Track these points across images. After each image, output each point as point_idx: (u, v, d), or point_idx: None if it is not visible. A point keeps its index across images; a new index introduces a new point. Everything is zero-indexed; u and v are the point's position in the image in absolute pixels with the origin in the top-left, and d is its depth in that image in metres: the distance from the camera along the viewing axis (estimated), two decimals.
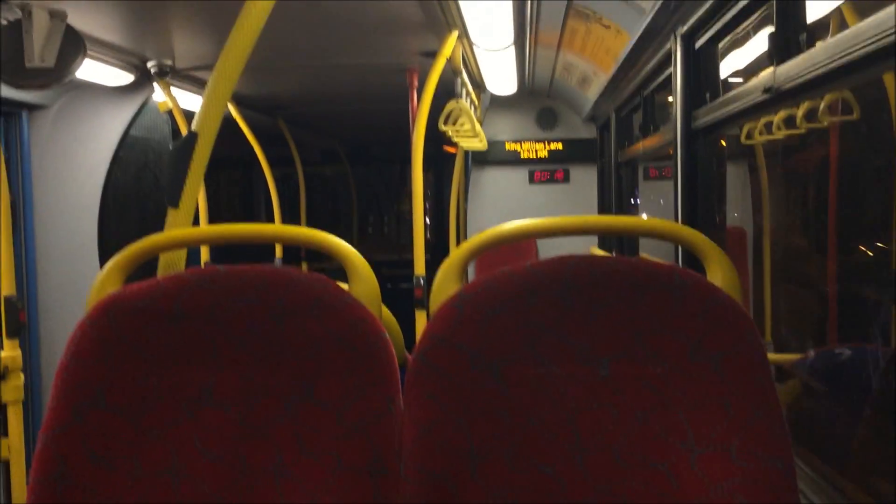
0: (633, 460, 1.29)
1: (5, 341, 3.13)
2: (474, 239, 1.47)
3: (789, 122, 3.00)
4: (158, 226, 1.76)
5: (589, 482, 1.29)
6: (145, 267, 1.58)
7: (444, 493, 1.28)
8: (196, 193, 1.80)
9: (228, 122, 5.18)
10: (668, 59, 2.94)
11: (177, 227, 1.79)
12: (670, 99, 2.88)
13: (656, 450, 1.29)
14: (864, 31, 1.41)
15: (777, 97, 1.89)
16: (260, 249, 4.19)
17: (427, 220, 9.25)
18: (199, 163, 1.79)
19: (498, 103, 6.54)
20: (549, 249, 6.28)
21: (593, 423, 1.31)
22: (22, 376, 3.06)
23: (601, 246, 5.78)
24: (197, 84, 4.48)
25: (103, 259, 3.96)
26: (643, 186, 5.40)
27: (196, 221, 2.01)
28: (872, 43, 1.39)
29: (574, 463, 1.30)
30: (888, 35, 1.33)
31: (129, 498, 1.33)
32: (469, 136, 4.83)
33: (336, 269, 1.44)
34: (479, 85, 5.40)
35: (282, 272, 1.39)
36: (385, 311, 1.56)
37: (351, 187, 9.86)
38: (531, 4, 3.63)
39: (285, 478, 1.33)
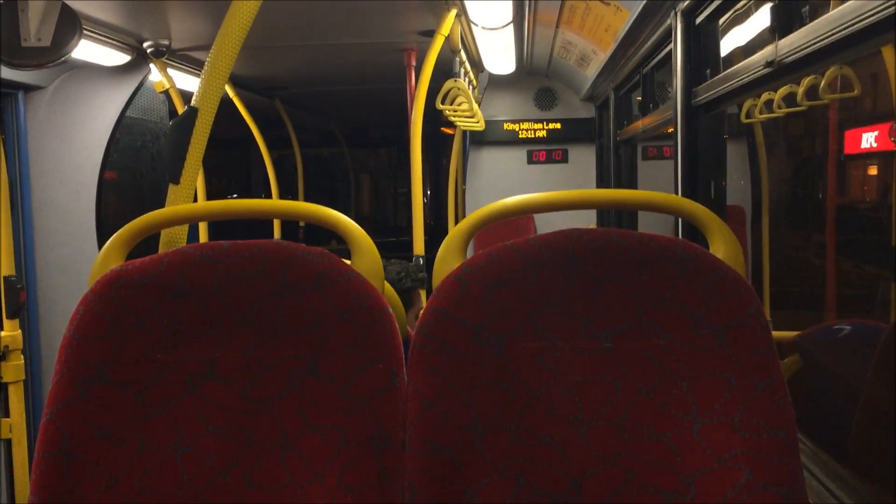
0: (636, 432, 1.29)
1: (5, 321, 3.13)
2: (476, 213, 1.47)
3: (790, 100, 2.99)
4: (156, 207, 1.75)
5: (592, 454, 1.29)
6: (145, 244, 1.58)
7: (449, 465, 1.28)
8: (196, 170, 1.80)
9: (225, 103, 5.16)
10: (668, 36, 2.92)
11: (178, 204, 1.78)
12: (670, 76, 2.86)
13: (659, 421, 1.29)
14: (866, 2, 1.40)
15: (779, 71, 1.88)
16: (258, 233, 4.18)
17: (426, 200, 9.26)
18: (199, 139, 1.78)
19: (496, 83, 6.50)
20: (548, 229, 6.25)
21: (596, 395, 1.31)
22: (22, 356, 3.07)
23: (600, 225, 5.78)
24: (194, 64, 4.46)
25: (101, 239, 3.96)
26: (642, 166, 5.39)
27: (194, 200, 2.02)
28: (874, 14, 1.38)
29: (577, 435, 1.30)
30: (889, 6, 1.32)
31: (133, 472, 1.33)
32: (467, 115, 4.80)
33: (338, 250, 1.44)
34: (477, 64, 5.38)
35: (284, 247, 1.38)
36: (387, 286, 1.55)
37: (348, 169, 9.84)
38: None
39: (289, 452, 1.34)
